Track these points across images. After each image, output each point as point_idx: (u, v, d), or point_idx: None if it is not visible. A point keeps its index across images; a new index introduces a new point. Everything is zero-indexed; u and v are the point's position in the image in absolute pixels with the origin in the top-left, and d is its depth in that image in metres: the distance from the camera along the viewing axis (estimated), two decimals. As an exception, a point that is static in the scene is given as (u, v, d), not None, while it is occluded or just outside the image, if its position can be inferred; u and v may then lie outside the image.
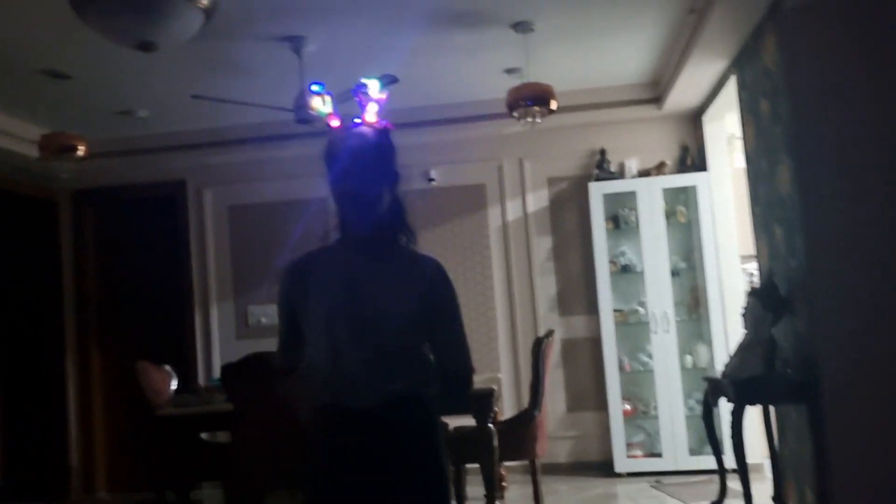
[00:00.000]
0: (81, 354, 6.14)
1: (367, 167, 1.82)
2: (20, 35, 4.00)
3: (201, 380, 5.70)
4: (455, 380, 1.93)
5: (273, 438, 3.67)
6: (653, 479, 5.09)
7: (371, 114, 1.92)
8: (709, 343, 5.27)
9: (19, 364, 5.80)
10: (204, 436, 5.01)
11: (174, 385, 4.85)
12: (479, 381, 4.55)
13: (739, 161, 5.11)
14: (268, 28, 4.17)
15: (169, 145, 5.94)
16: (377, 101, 1.93)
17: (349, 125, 1.92)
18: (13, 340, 5.74)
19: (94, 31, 3.58)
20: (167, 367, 4.87)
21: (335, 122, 1.96)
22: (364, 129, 1.89)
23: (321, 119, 3.57)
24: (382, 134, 1.89)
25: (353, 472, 1.80)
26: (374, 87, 1.93)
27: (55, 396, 6.05)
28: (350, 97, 2.06)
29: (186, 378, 5.47)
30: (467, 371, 1.93)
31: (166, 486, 4.53)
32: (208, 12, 3.63)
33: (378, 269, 1.86)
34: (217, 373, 4.94)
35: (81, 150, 4.67)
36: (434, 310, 1.86)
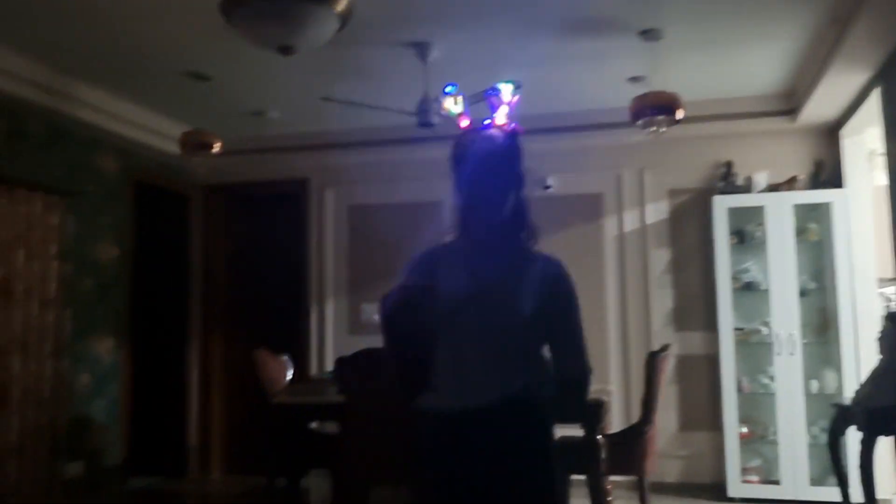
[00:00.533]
0: (204, 340, 6.45)
1: (496, 170, 1.86)
2: (169, 39, 4.27)
3: (315, 371, 5.88)
4: (571, 382, 1.90)
5: (381, 433, 3.74)
6: (768, 506, 4.87)
7: (501, 116, 1.94)
8: (837, 368, 4.97)
9: (149, 347, 6.16)
10: (313, 425, 5.18)
11: (289, 375, 5.03)
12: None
13: (880, 178, 4.81)
14: (395, 34, 4.27)
15: (296, 145, 6.17)
16: (508, 104, 1.95)
17: (479, 127, 1.94)
18: (145, 324, 6.10)
19: (239, 35, 3.79)
20: (284, 357, 5.05)
21: (465, 123, 1.99)
22: (494, 131, 1.91)
23: (450, 120, 3.62)
24: (511, 137, 1.91)
25: (461, 470, 1.80)
26: (506, 90, 1.95)
27: (179, 379, 6.38)
28: (480, 99, 2.09)
29: (300, 369, 5.66)
30: (585, 373, 1.91)
31: (277, 471, 4.69)
32: (343, 18, 3.77)
33: (501, 269, 1.87)
34: (330, 365, 5.11)
35: (216, 147, 4.94)
36: (554, 309, 1.85)
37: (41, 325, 4.74)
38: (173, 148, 5.21)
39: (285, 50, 3.64)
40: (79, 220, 5.27)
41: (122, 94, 5.23)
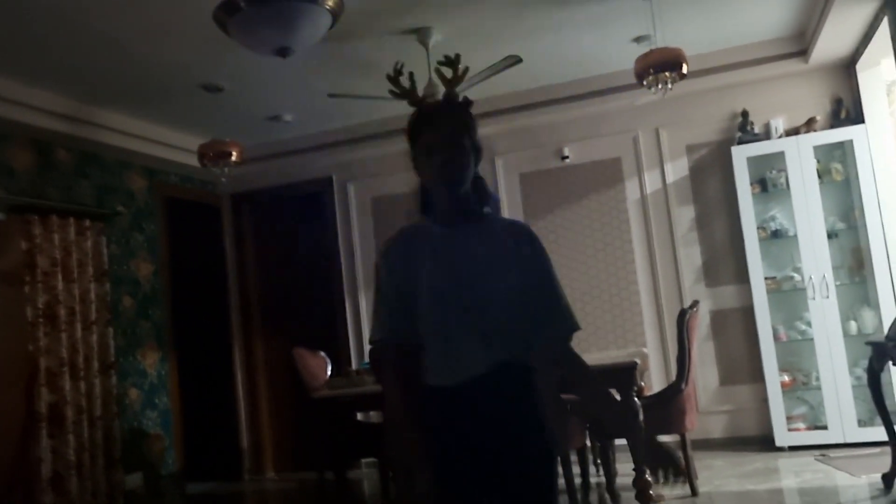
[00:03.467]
0: (246, 344, 6.57)
1: (456, 143, 1.86)
2: (178, 56, 4.38)
3: (354, 364, 5.99)
4: (560, 340, 1.90)
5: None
6: (818, 452, 4.81)
7: (452, 90, 1.98)
8: (875, 307, 4.89)
9: (194, 356, 6.32)
10: (360, 416, 5.27)
11: (329, 370, 5.13)
12: (622, 355, 4.49)
13: (900, 109, 4.71)
14: (394, 22, 4.30)
15: (314, 145, 6.26)
16: (458, 78, 1.99)
17: (433, 102, 1.98)
18: (188, 334, 6.26)
19: (237, 43, 3.87)
20: (322, 353, 5.15)
21: (416, 99, 2.04)
22: (447, 104, 1.94)
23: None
24: (464, 107, 1.93)
25: (461, 442, 1.83)
26: (455, 63, 2.00)
27: (226, 384, 6.51)
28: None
29: (340, 363, 5.76)
30: (572, 328, 1.90)
31: (325, 465, 4.78)
32: (335, 13, 3.82)
33: (473, 241, 1.89)
34: (367, 357, 5.20)
35: (235, 155, 5.03)
36: (529, 272, 1.87)
37: (87, 346, 4.92)
38: (197, 161, 5.33)
39: (282, 52, 3.71)
40: (113, 241, 5.44)
41: (143, 115, 5.38)
